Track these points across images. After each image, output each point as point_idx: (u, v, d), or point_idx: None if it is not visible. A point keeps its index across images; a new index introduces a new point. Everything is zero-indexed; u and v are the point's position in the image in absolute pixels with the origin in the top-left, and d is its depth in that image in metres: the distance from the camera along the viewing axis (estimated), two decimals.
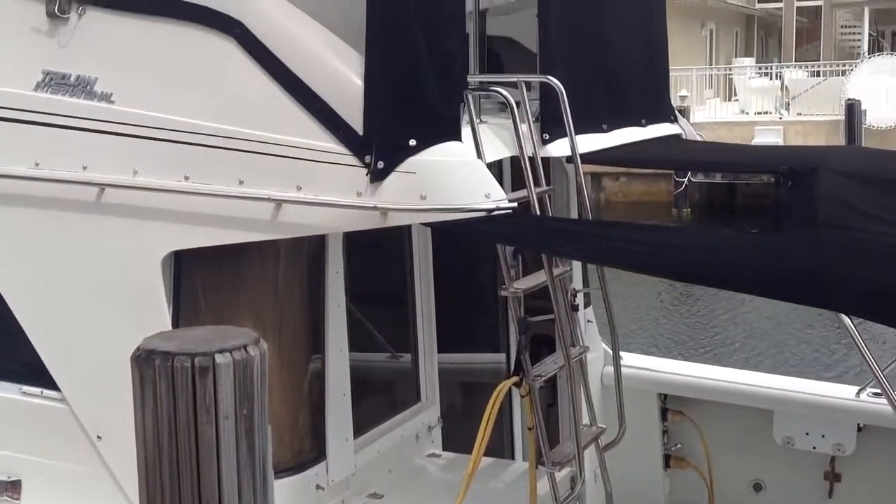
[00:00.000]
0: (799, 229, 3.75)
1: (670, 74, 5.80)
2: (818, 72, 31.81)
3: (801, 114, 29.22)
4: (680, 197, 27.23)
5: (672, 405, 5.93)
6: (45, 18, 4.52)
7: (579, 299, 5.34)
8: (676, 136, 5.48)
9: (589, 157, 4.64)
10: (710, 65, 37.64)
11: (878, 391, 5.19)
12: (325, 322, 4.43)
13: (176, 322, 4.32)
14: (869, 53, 35.70)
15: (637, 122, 5.15)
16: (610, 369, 5.39)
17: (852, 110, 25.18)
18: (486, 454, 4.29)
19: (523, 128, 4.31)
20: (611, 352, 5.27)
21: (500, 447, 5.61)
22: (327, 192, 3.95)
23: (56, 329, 4.64)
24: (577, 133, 4.47)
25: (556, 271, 4.37)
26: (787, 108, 29.96)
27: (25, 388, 4.75)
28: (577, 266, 5.46)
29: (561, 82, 4.40)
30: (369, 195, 3.89)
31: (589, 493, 4.89)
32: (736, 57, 41.10)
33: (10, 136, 4.60)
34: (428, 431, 5.25)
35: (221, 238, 4.21)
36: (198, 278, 4.43)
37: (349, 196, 3.92)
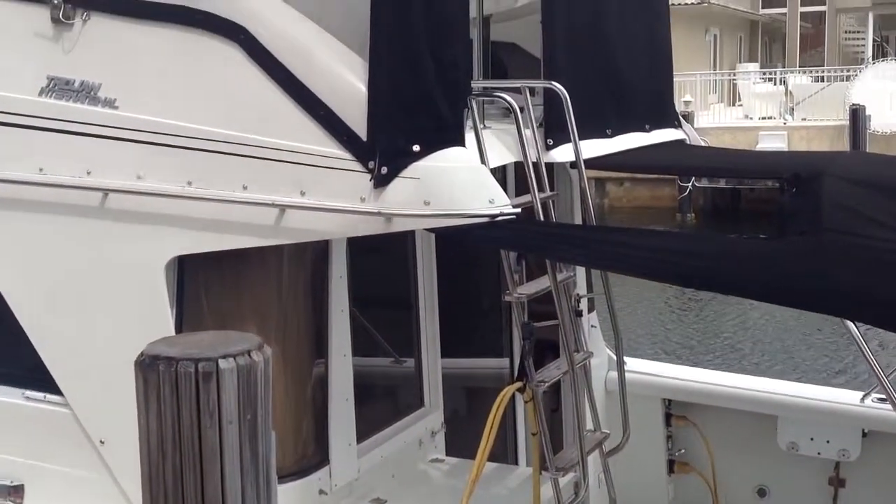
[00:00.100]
0: (803, 235, 3.74)
1: (674, 79, 5.80)
2: (822, 77, 31.80)
3: (805, 119, 29.21)
4: (684, 202, 27.24)
5: (676, 410, 5.93)
6: (49, 24, 4.52)
7: (583, 304, 5.34)
8: (680, 142, 5.47)
9: (593, 163, 4.64)
10: (714, 70, 37.63)
11: (883, 397, 5.18)
12: (329, 327, 4.43)
13: (179, 327, 4.32)
14: (873, 59, 35.73)
15: (641, 128, 5.15)
16: (614, 374, 5.39)
17: (857, 115, 25.09)
18: (490, 459, 4.28)
19: (527, 133, 4.31)
20: (615, 357, 5.27)
21: (504, 452, 5.60)
22: (331, 198, 3.95)
23: (59, 334, 4.64)
24: (580, 138, 4.46)
25: (559, 276, 4.37)
26: (792, 114, 29.94)
27: (28, 392, 4.75)
28: (580, 271, 5.46)
29: (565, 88, 4.40)
30: (373, 201, 3.89)
31: (593, 499, 4.89)
32: (740, 62, 41.11)
33: (15, 142, 4.60)
34: (431, 436, 5.25)
35: (225, 243, 4.21)
36: (201, 283, 4.43)
37: (353, 201, 3.92)
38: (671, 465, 5.98)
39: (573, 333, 4.52)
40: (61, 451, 4.66)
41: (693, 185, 26.64)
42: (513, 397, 4.39)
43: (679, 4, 33.30)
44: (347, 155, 3.95)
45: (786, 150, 25.44)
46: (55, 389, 4.65)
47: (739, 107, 32.39)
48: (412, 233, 5.05)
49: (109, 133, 4.36)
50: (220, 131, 4.14)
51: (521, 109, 4.30)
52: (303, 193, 4.00)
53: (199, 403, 2.83)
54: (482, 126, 4.18)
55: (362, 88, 3.95)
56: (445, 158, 3.94)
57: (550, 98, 4.46)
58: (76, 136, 4.44)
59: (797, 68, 36.85)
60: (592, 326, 5.80)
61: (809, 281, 3.57)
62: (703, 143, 5.84)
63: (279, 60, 4.06)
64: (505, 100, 4.26)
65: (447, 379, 5.39)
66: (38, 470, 4.72)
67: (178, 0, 4.26)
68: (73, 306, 4.60)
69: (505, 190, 4.07)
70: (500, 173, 4.63)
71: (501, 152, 4.32)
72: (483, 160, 4.08)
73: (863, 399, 5.45)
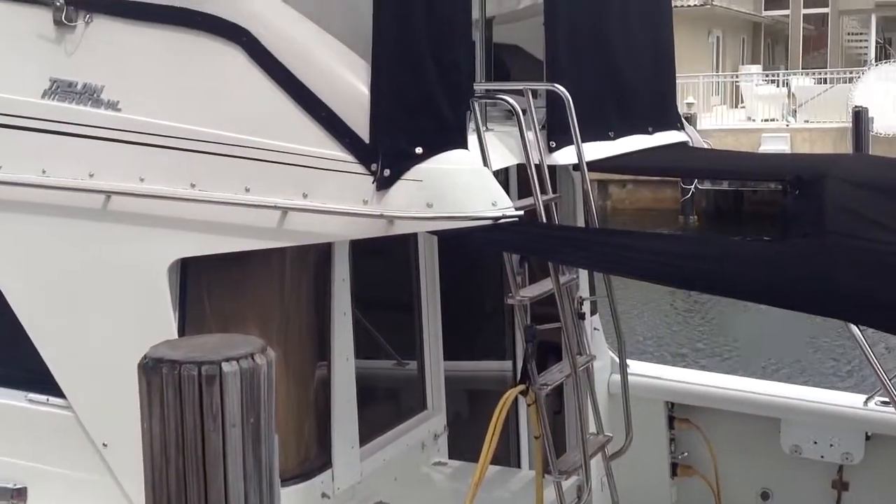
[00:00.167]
0: (806, 238, 3.74)
1: (677, 82, 5.79)
2: (825, 79, 31.80)
3: (808, 121, 29.20)
4: (687, 204, 27.23)
5: (679, 413, 5.92)
6: (52, 26, 4.52)
7: (586, 307, 5.33)
8: (683, 144, 5.47)
9: (595, 165, 4.64)
10: (717, 72, 37.62)
11: (887, 400, 5.17)
12: (331, 330, 4.42)
13: (182, 330, 4.32)
14: (876, 61, 35.71)
15: (644, 130, 5.15)
16: (617, 377, 5.38)
17: (859, 118, 25.12)
18: (493, 462, 4.28)
19: (530, 136, 4.31)
20: (617, 360, 5.26)
21: (507, 456, 5.60)
22: (333, 200, 3.95)
23: (62, 336, 4.64)
24: (583, 141, 4.46)
25: (562, 279, 4.36)
26: (794, 116, 29.93)
27: (31, 395, 4.75)
28: (583, 274, 5.45)
29: (567, 90, 4.40)
30: (375, 203, 3.89)
31: (596, 502, 4.88)
32: (743, 64, 41.10)
33: (18, 144, 4.61)
34: (434, 439, 5.24)
35: (228, 246, 4.21)
36: (204, 286, 4.43)
37: (355, 204, 3.91)
38: (674, 468, 5.97)
39: (576, 336, 4.51)
40: (64, 454, 4.66)
41: (696, 187, 26.63)
42: (515, 400, 4.39)
43: (682, 6, 33.32)
44: (350, 157, 3.95)
45: (788, 152, 25.44)
46: (58, 392, 4.65)
47: (742, 109, 32.38)
48: (415, 235, 5.04)
49: (112, 135, 4.36)
50: (223, 133, 4.14)
51: (524, 111, 4.30)
52: (305, 196, 4.00)
53: (202, 407, 2.83)
54: (485, 128, 4.18)
55: (364, 90, 3.95)
56: (448, 161, 3.94)
57: (553, 100, 4.45)
58: (79, 139, 4.44)
59: (800, 70, 36.88)
60: (595, 329, 5.79)
61: (812, 284, 3.57)
62: (705, 146, 5.84)
63: (281, 62, 4.06)
64: (507, 102, 4.26)
65: (450, 382, 5.38)
66: (40, 473, 4.72)
67: (180, 2, 4.26)
68: (76, 309, 4.60)
69: (507, 192, 4.06)
70: (502, 176, 4.63)
71: (504, 154, 4.31)
72: (485, 162, 4.08)
73: (866, 402, 5.44)
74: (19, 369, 4.79)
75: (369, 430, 4.74)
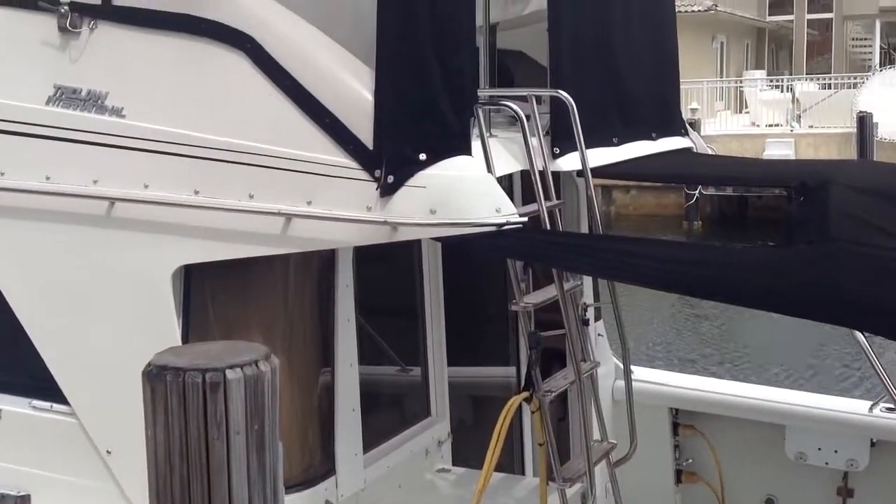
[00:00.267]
0: (811, 244, 3.73)
1: (681, 87, 5.79)
2: (829, 84, 31.76)
3: (812, 126, 29.17)
4: (691, 210, 27.20)
5: (683, 420, 5.91)
6: (56, 33, 4.53)
7: (590, 314, 5.33)
8: (687, 150, 5.46)
9: (599, 171, 4.63)
10: (721, 77, 37.61)
11: (892, 406, 5.17)
12: (335, 336, 4.42)
13: (186, 337, 4.32)
14: (880, 66, 35.68)
15: (648, 136, 5.14)
16: (621, 384, 5.37)
17: (864, 123, 25.10)
18: (497, 469, 4.28)
19: (533, 142, 4.31)
20: (622, 366, 5.25)
21: (511, 463, 5.59)
22: (337, 207, 3.95)
23: (66, 343, 4.64)
24: (587, 147, 4.46)
25: (566, 286, 4.36)
26: (799, 121, 29.91)
27: (35, 402, 4.75)
28: (587, 280, 5.44)
29: (571, 96, 4.40)
30: (379, 209, 3.89)
31: None
32: (747, 69, 41.06)
33: (22, 151, 4.61)
34: (438, 446, 5.23)
35: (232, 252, 4.21)
36: (208, 293, 4.43)
37: (359, 210, 3.91)
38: (679, 474, 5.96)
39: (580, 343, 4.51)
40: (68, 460, 4.65)
41: (700, 193, 26.58)
42: (519, 407, 4.38)
43: (686, 12, 33.30)
44: (354, 164, 3.95)
45: (793, 157, 25.42)
46: (62, 399, 4.65)
47: (746, 114, 32.37)
48: (418, 241, 5.04)
49: (116, 142, 4.36)
50: (227, 140, 4.14)
51: (528, 118, 4.30)
52: (309, 202, 4.00)
53: (206, 414, 2.83)
54: (488, 134, 4.18)
55: (368, 97, 3.95)
56: (452, 167, 3.94)
57: (557, 106, 4.45)
58: (83, 145, 4.45)
59: (804, 75, 36.83)
60: (599, 335, 5.79)
61: (817, 290, 3.56)
62: (709, 151, 5.83)
63: (285, 69, 4.06)
64: (511, 108, 4.26)
65: (453, 388, 5.38)
66: (44, 480, 4.72)
67: (185, 9, 4.26)
68: (80, 315, 4.60)
69: (511, 199, 4.06)
70: (506, 182, 4.62)
71: (508, 161, 4.31)
72: (489, 169, 4.07)
73: (871, 409, 5.43)
74: (23, 376, 4.79)
75: (373, 437, 4.73)
